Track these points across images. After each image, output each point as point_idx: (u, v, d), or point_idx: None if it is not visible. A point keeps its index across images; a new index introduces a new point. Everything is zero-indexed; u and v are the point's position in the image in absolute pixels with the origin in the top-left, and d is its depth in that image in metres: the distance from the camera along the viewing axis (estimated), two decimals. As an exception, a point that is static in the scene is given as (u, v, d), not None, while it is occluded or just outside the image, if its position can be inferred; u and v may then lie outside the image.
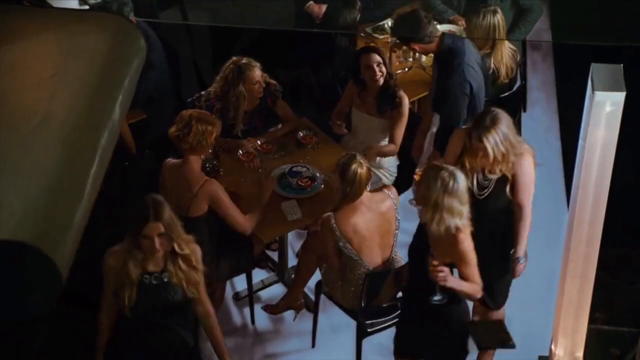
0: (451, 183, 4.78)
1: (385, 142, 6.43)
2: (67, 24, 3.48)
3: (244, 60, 6.28)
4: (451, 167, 4.91)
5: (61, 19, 3.51)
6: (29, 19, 3.48)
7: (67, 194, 2.90)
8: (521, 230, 5.54)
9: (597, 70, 4.96)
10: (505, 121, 5.26)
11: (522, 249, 5.61)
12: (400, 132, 6.40)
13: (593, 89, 4.91)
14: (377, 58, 6.28)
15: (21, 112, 3.08)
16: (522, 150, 5.40)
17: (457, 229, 4.82)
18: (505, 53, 6.71)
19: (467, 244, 4.90)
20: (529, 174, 5.46)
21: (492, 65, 6.65)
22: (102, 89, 3.24)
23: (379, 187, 5.92)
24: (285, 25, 7.40)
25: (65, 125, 3.06)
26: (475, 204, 5.12)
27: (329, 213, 5.59)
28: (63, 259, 2.74)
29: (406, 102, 6.37)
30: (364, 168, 5.49)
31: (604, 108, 4.92)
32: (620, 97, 4.88)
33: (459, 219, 4.82)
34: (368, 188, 5.60)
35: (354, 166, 5.46)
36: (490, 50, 6.66)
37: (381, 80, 6.29)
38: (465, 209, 4.85)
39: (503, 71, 6.71)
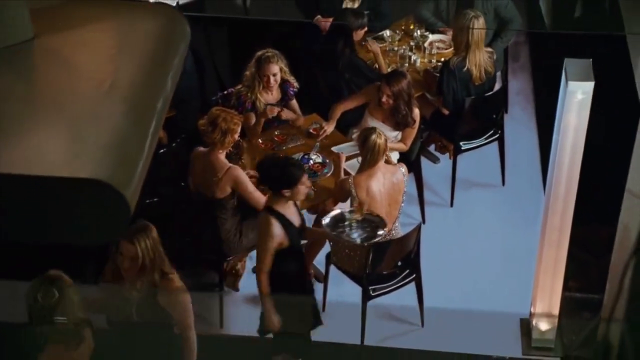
0: None
1: (392, 137, 6.63)
2: (124, 12, 3.77)
3: (268, 53, 6.56)
4: None
5: (117, 8, 3.79)
6: (90, 9, 3.77)
7: (133, 144, 3.18)
8: None
9: (570, 63, 5.25)
10: None
11: None
12: (411, 138, 6.64)
13: (567, 80, 5.20)
14: (388, 90, 6.43)
15: (92, 80, 3.36)
16: None
17: None
18: (479, 56, 6.92)
19: None
20: None
21: (467, 65, 6.89)
22: (156, 64, 3.52)
23: (395, 163, 6.18)
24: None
25: (129, 91, 3.34)
26: None
27: (347, 176, 5.87)
28: (131, 195, 3.02)
29: (418, 117, 6.59)
30: (382, 139, 5.77)
31: (576, 96, 5.21)
32: (589, 86, 5.17)
33: None
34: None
35: (373, 136, 5.74)
36: (466, 52, 6.89)
37: (389, 103, 6.49)
38: None
39: (476, 72, 6.91)
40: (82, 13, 3.62)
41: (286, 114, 6.75)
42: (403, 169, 6.00)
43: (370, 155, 5.79)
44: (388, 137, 6.54)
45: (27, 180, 2.94)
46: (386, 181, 5.89)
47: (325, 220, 5.69)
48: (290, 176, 5.32)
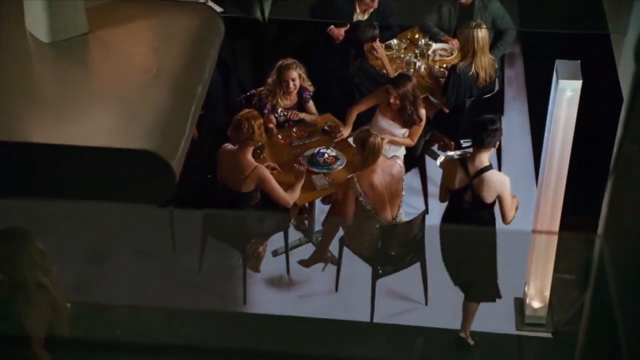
0: None
1: (401, 134, 6.86)
2: (166, 10, 4.03)
3: (288, 61, 6.81)
4: None
5: (161, 7, 4.05)
6: (137, 7, 4.02)
7: (176, 122, 3.44)
8: None
9: (560, 64, 5.49)
10: None
11: None
12: (418, 134, 6.88)
13: (557, 79, 5.43)
14: (395, 92, 6.67)
15: (140, 68, 3.62)
16: None
17: None
18: (485, 61, 7.18)
19: None
20: None
21: (473, 70, 7.14)
22: (194, 55, 3.78)
23: (391, 157, 6.42)
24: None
25: (172, 78, 3.60)
26: None
27: (352, 175, 6.11)
28: (176, 165, 3.28)
29: (424, 116, 6.83)
30: (379, 139, 6.02)
31: (566, 93, 5.44)
32: (578, 84, 5.40)
33: None
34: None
35: (371, 138, 5.98)
36: (472, 58, 7.15)
37: (397, 104, 6.73)
38: None
39: (482, 75, 7.18)
40: (130, 11, 3.88)
41: (306, 117, 6.98)
42: (399, 161, 6.26)
43: (370, 155, 6.02)
44: (397, 134, 6.79)
45: (87, 151, 3.20)
46: (385, 175, 6.12)
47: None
48: None
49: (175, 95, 3.57)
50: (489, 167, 5.83)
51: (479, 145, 5.82)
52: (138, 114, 3.39)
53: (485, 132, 5.76)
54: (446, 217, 6.11)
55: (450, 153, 6.86)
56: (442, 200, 6.15)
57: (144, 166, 3.27)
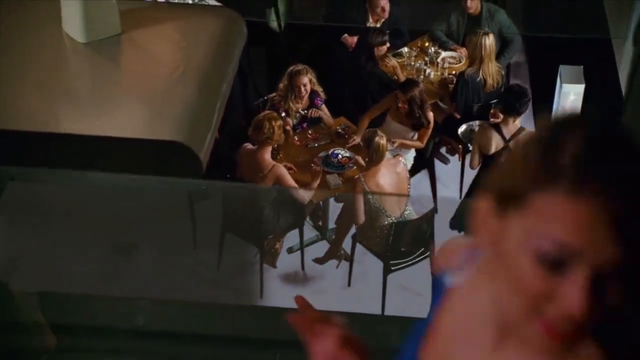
0: None
1: (410, 137, 6.99)
2: (193, 13, 4.17)
3: (298, 67, 6.95)
4: None
5: (188, 10, 4.20)
6: (166, 11, 4.17)
7: (203, 117, 3.57)
8: None
9: (564, 69, 5.62)
10: None
11: None
12: (426, 137, 7.01)
13: (561, 83, 5.55)
14: (403, 97, 6.80)
15: (168, 67, 3.76)
16: None
17: None
18: (492, 68, 7.31)
19: None
20: None
21: (481, 76, 7.27)
22: (219, 55, 3.92)
23: (394, 155, 6.55)
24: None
25: (198, 76, 3.74)
26: None
27: (359, 175, 6.24)
28: (203, 156, 3.41)
29: (432, 119, 6.95)
30: (384, 139, 6.15)
31: (569, 97, 5.56)
32: (580, 88, 5.52)
33: None
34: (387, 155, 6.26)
35: (377, 139, 6.12)
36: (479, 64, 7.27)
37: (404, 108, 6.86)
38: None
39: (490, 81, 7.31)
40: (160, 14, 4.03)
41: (323, 115, 7.11)
42: (403, 159, 6.39)
43: (375, 155, 6.15)
44: (407, 136, 6.91)
45: (120, 141, 3.33)
46: (391, 174, 6.25)
47: None
48: None
49: (202, 92, 3.69)
50: (523, 129, 6.17)
51: (512, 113, 6.20)
52: (167, 108, 3.52)
53: (518, 102, 6.16)
54: (480, 180, 6.33)
55: (469, 123, 7.11)
56: (474, 165, 6.54)
57: (173, 157, 3.39)
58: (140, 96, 3.60)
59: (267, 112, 6.51)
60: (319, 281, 6.76)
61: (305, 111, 7.03)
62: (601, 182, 0.95)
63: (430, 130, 7.02)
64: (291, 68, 7.03)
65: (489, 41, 7.21)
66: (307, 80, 6.97)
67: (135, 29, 3.88)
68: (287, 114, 7.03)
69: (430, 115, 6.95)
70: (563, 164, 0.98)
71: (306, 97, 7.07)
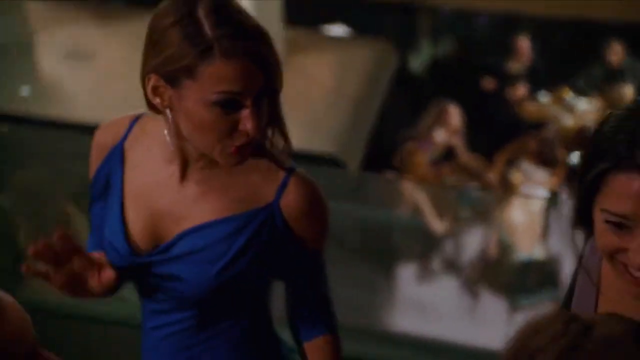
0: None
1: (541, 176, 7.13)
2: (351, 44, 4.52)
3: (444, 104, 7.16)
4: None
5: (347, 41, 4.55)
6: (328, 42, 4.53)
7: (354, 134, 3.88)
8: None
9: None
10: None
11: None
12: (560, 177, 7.14)
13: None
14: (535, 138, 7.00)
15: (325, 88, 4.10)
16: None
17: None
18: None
19: None
20: None
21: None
22: (370, 81, 4.24)
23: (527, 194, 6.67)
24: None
25: (349, 95, 4.07)
26: None
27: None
28: (354, 168, 3.71)
29: (564, 160, 7.07)
30: (518, 178, 6.31)
31: None
32: None
33: None
34: None
35: (510, 175, 6.28)
36: (619, 114, 7.33)
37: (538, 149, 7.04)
38: None
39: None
40: (321, 44, 4.40)
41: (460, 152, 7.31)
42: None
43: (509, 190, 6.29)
44: (538, 175, 7.06)
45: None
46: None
47: None
48: None
49: (353, 113, 4.01)
50: None
51: None
52: (321, 125, 3.84)
53: None
54: None
55: None
56: None
57: (325, 168, 3.69)
58: (299, 114, 3.95)
59: (410, 144, 6.74)
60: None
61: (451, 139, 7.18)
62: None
63: (563, 171, 7.11)
64: (438, 104, 7.21)
65: (629, 92, 7.27)
66: (456, 114, 7.14)
67: (298, 54, 4.24)
68: (429, 146, 7.20)
69: (563, 155, 7.06)
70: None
71: (452, 131, 7.24)
